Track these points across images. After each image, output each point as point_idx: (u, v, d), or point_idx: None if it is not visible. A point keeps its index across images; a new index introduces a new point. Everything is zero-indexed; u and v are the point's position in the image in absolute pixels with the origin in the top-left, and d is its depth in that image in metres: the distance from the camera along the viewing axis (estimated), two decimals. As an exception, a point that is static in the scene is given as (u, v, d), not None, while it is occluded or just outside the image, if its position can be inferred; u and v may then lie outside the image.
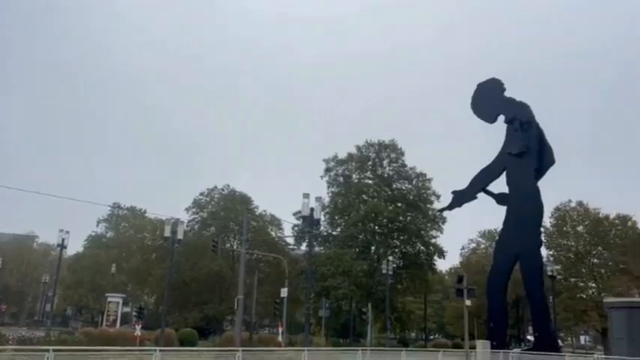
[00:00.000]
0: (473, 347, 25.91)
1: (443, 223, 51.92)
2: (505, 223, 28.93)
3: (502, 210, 29.31)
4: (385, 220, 50.00)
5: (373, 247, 51.86)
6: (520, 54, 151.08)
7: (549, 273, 37.96)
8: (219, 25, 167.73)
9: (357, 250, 50.40)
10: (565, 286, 55.76)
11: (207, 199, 59.95)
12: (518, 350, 28.46)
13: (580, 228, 58.24)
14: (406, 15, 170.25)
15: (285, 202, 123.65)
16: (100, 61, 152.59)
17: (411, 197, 52.28)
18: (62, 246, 45.01)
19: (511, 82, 32.39)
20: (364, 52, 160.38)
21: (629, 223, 58.23)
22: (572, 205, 59.15)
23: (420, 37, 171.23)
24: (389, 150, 53.56)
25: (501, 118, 30.72)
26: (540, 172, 28.84)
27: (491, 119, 30.90)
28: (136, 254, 65.81)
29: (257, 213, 58.69)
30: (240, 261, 38.59)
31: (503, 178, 30.16)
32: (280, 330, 35.68)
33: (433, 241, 52.13)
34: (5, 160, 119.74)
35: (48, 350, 13.56)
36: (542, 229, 37.85)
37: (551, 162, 29.08)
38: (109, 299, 49.02)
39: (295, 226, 50.65)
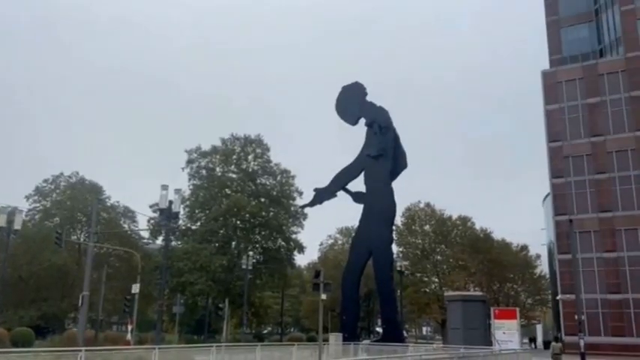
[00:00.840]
0: (326, 340, 26.88)
1: (304, 219, 53.13)
2: (361, 220, 30.37)
3: (359, 208, 30.79)
4: (247, 215, 49.81)
5: (234, 243, 51.42)
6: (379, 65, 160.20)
7: (398, 268, 40.68)
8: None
9: (217, 245, 49.61)
10: (412, 280, 60.24)
11: (52, 186, 54.96)
12: (367, 341, 30.11)
13: (427, 227, 63.39)
14: (282, 16, 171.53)
15: (141, 194, 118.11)
16: None
17: (275, 193, 52.74)
18: None
19: (373, 87, 34.12)
20: (235, 45, 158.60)
21: (469, 224, 64.71)
22: (421, 205, 64.19)
23: (297, 37, 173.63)
24: (254, 145, 53.46)
25: (362, 121, 32.22)
26: (394, 174, 30.76)
27: (353, 121, 32.23)
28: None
29: (109, 204, 55.20)
30: (88, 255, 35.92)
31: (361, 177, 31.71)
32: (130, 328, 33.91)
33: (294, 236, 53.10)
34: None
35: None
36: (394, 227, 40.57)
37: (404, 166, 31.12)
38: None
39: (151, 219, 48.65)
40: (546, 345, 53.74)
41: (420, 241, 62.73)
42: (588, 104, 48.59)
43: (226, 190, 51.79)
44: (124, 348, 22.80)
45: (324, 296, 23.89)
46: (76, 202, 52.76)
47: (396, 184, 30.71)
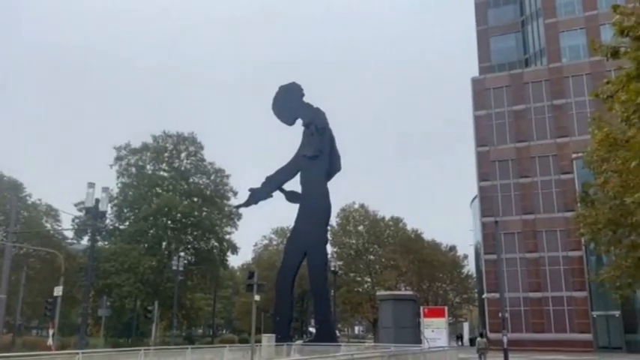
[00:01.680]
0: (259, 341, 26.75)
1: (238, 219, 52.64)
2: (296, 220, 30.42)
3: (295, 208, 30.85)
4: (179, 215, 48.68)
5: (164, 243, 50.17)
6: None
7: (332, 268, 41.11)
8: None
9: (147, 245, 48.21)
10: (345, 280, 61.00)
11: (-35, 182, 51.45)
12: (300, 342, 30.19)
13: (361, 227, 64.38)
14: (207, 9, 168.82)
15: (66, 192, 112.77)
16: None
17: (208, 192, 51.91)
18: None
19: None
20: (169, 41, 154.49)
21: (401, 225, 66.33)
22: (356, 206, 65.14)
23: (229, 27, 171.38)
24: (187, 143, 52.34)
25: (299, 121, 32.29)
26: (329, 175, 31.04)
27: (290, 122, 32.21)
28: None
29: (29, 202, 52.33)
30: (5, 255, 33.95)
31: (297, 178, 31.78)
32: (51, 332, 32.30)
33: (227, 237, 52.49)
34: None
35: None
36: (329, 228, 40.96)
37: (338, 168, 31.40)
38: None
39: (76, 218, 46.64)
40: (472, 342, 56.02)
41: (354, 241, 63.63)
42: (514, 111, 51.11)
43: (157, 189, 50.43)
44: (43, 353, 21.70)
45: (257, 297, 23.79)
46: (-8, 199, 49.64)
47: (331, 185, 31.07)
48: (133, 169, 50.99)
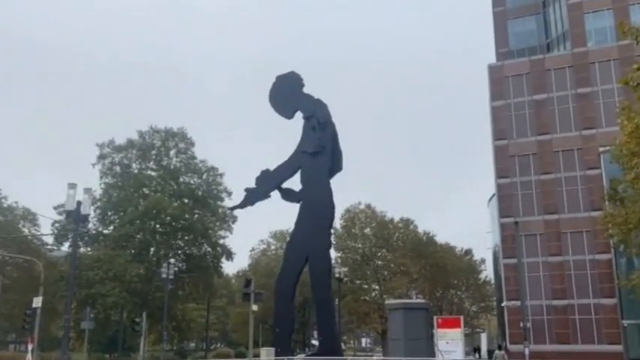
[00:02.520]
0: (257, 355, 26.79)
1: (233, 222, 52.71)
2: (296, 223, 30.30)
3: (295, 209, 30.81)
4: (169, 218, 48.75)
5: (153, 249, 50.28)
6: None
7: (337, 275, 41.13)
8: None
9: (134, 251, 48.33)
10: (351, 288, 61.04)
11: (-64, 184, 51.70)
12: (302, 356, 30.20)
13: (367, 230, 64.36)
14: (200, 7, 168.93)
15: (44, 194, 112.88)
16: None
17: (200, 193, 51.97)
18: None
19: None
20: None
21: (411, 227, 66.32)
22: (362, 207, 65.13)
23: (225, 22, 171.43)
24: (177, 139, 52.39)
25: (299, 114, 32.17)
26: (331, 173, 30.94)
27: (289, 115, 32.04)
28: None
29: (5, 205, 52.47)
30: (-21, 264, 34.00)
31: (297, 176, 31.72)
32: (30, 347, 32.43)
33: (221, 241, 52.59)
34: None
35: None
36: (332, 231, 40.91)
37: (339, 168, 31.20)
38: None
39: (56, 222, 46.76)
40: (490, 354, 55.98)
41: (360, 245, 63.63)
42: (535, 101, 50.95)
43: (144, 189, 50.50)
44: (22, 371, 21.79)
45: (255, 307, 23.86)
46: (-35, 202, 49.84)
47: (335, 184, 30.98)
48: (118, 168, 51.09)
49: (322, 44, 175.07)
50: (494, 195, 53.99)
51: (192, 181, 52.80)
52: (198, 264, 51.12)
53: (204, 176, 52.81)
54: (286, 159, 31.73)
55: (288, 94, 31.85)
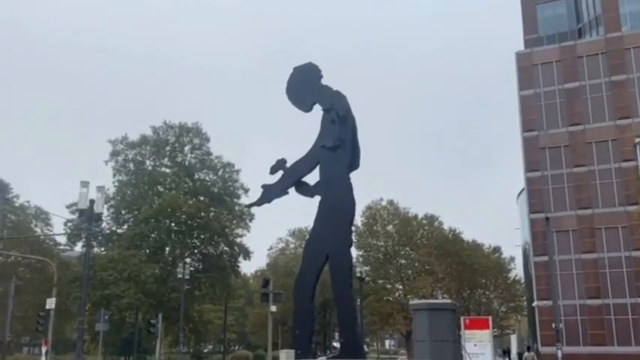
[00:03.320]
0: (276, 358, 26.92)
1: (250, 220, 52.84)
2: (316, 220, 30.26)
3: (314, 206, 30.88)
4: (184, 217, 49.09)
5: (168, 248, 50.69)
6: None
7: (358, 274, 41.14)
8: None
9: (148, 251, 48.77)
10: (373, 288, 61.00)
11: (-53, 184, 52.72)
12: (323, 358, 30.30)
13: (390, 227, 64.19)
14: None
15: (57, 193, 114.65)
16: None
17: (216, 190, 52.20)
18: None
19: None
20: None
21: (436, 224, 66.00)
22: (383, 203, 64.97)
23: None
24: (191, 134, 52.67)
25: (317, 107, 32.23)
26: (349, 170, 30.93)
27: (307, 108, 32.01)
28: None
29: (17, 204, 53.36)
30: (-8, 265, 34.67)
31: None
32: (44, 350, 33.05)
33: (238, 240, 52.77)
34: None
35: None
36: (353, 228, 40.92)
37: (357, 165, 31.17)
38: None
39: (69, 221, 47.35)
40: (521, 357, 55.65)
41: (382, 243, 63.51)
42: (566, 90, 50.34)
43: (158, 187, 50.92)
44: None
45: (273, 308, 23.98)
46: (-25, 202, 50.79)
47: (355, 179, 31.01)
48: (131, 165, 51.55)
49: (342, 36, 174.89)
50: (523, 189, 53.53)
51: (207, 178, 53.09)
52: (214, 263, 51.43)
53: (219, 173, 53.02)
54: (304, 154, 31.87)
55: (305, 86, 31.81)
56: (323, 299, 54.38)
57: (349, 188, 32.65)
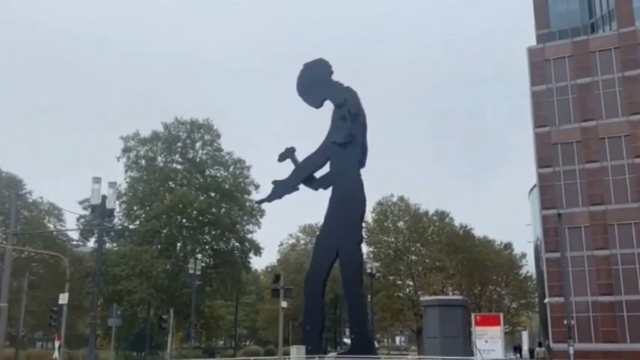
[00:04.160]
0: (287, 354, 27.00)
1: (261, 216, 53.03)
2: (326, 216, 30.36)
3: (325, 202, 30.85)
4: (195, 212, 49.35)
5: (179, 244, 50.97)
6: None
7: (369, 270, 41.13)
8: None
9: (160, 247, 49.06)
10: (383, 284, 60.94)
11: (-40, 180, 53.23)
12: (333, 354, 30.33)
13: (400, 224, 64.09)
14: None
15: (69, 189, 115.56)
16: None
17: (227, 186, 52.40)
18: None
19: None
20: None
21: (447, 220, 65.81)
22: (394, 199, 64.85)
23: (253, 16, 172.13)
24: (202, 131, 52.90)
25: (328, 103, 32.09)
26: (361, 165, 30.78)
27: (317, 104, 32.00)
28: None
29: (30, 200, 53.81)
30: (5, 260, 35.03)
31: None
32: (57, 344, 33.29)
33: (249, 236, 52.98)
34: None
35: None
36: (364, 224, 40.85)
37: (363, 164, 31.03)
38: None
39: (82, 217, 47.72)
40: (532, 354, 55.44)
41: (392, 239, 63.44)
42: (579, 85, 49.89)
43: (170, 183, 51.19)
44: (49, 368, 22.42)
45: (284, 304, 24.01)
46: (-10, 197, 51.27)
47: (366, 175, 30.88)
48: (143, 162, 51.83)
49: (350, 29, 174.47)
50: (535, 185, 53.21)
51: (218, 174, 53.30)
52: (225, 259, 51.64)
53: (230, 169, 53.22)
54: (315, 150, 31.76)
55: (316, 82, 31.79)
56: (333, 295, 54.48)
57: (359, 184, 32.71)
